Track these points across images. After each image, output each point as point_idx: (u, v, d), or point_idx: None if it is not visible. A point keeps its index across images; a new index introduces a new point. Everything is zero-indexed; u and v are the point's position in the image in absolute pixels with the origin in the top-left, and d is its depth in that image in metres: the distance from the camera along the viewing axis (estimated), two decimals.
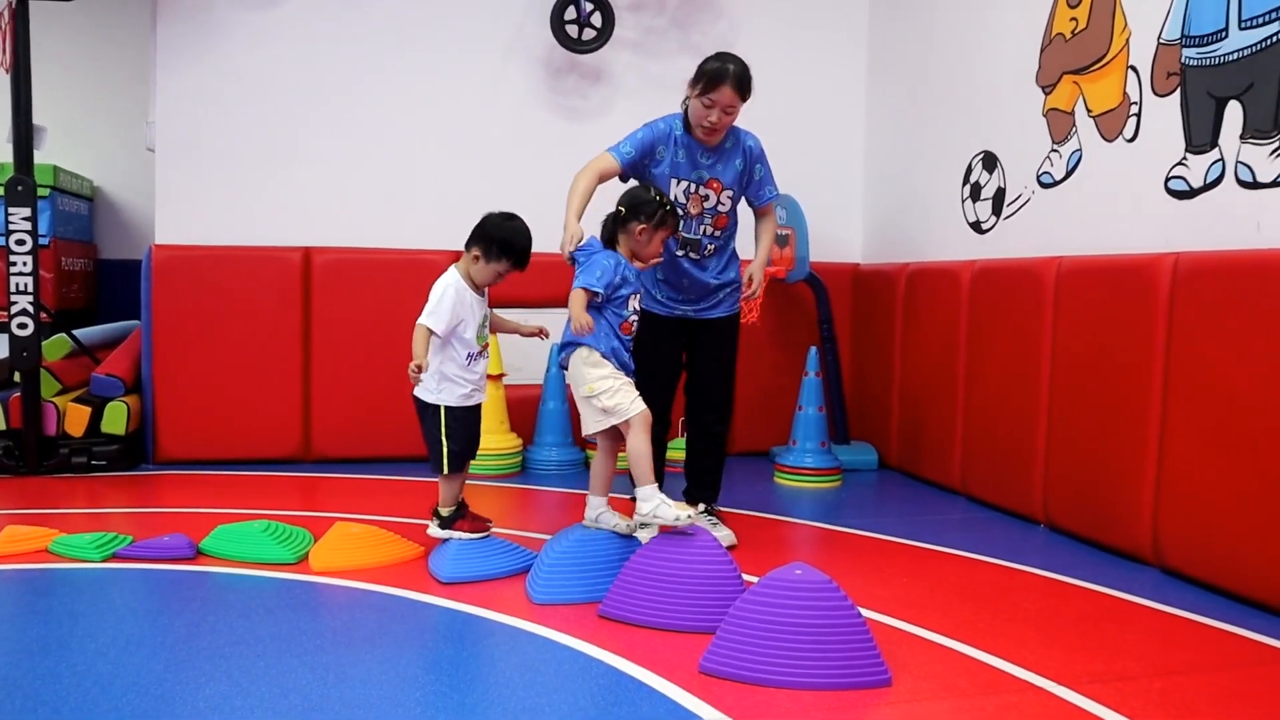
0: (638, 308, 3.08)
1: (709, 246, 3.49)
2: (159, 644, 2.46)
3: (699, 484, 3.64)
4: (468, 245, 3.14)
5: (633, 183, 3.42)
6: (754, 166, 3.53)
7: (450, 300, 3.04)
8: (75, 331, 5.29)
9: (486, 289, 3.20)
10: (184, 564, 3.12)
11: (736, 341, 3.65)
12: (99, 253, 6.93)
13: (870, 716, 2.14)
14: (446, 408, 3.10)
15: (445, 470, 3.12)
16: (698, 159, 3.44)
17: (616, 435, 2.99)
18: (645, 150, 3.40)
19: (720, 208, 3.48)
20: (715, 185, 3.45)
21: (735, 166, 3.48)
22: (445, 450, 3.10)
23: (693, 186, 3.44)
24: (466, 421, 3.14)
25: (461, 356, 3.09)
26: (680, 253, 3.47)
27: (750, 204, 3.61)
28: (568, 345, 3.01)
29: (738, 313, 3.64)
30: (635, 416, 2.89)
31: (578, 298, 2.92)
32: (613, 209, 3.10)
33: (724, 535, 3.42)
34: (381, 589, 2.92)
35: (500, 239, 3.10)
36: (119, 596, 2.84)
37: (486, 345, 3.19)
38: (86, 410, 4.57)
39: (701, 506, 3.57)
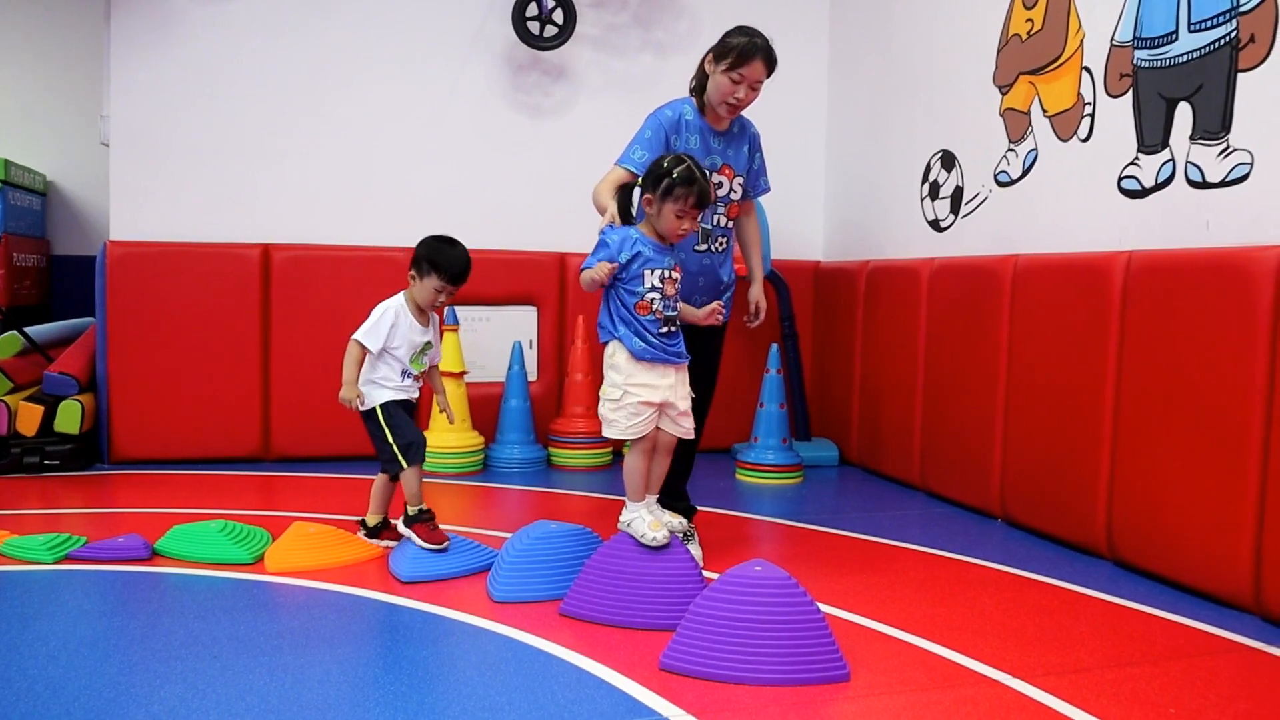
0: (659, 284, 2.80)
1: (720, 239, 3.29)
2: (113, 646, 2.42)
3: (670, 493, 3.38)
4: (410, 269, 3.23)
5: None
6: (755, 153, 3.39)
7: (388, 320, 3.14)
8: (27, 329, 5.19)
9: (434, 318, 3.28)
10: (139, 565, 3.08)
11: (722, 349, 3.49)
12: (52, 248, 6.81)
13: (827, 711, 2.16)
14: (381, 405, 3.16)
15: (404, 465, 3.14)
16: (710, 144, 3.26)
17: (653, 441, 2.87)
18: (660, 146, 3.16)
19: (733, 195, 3.30)
20: (728, 171, 3.28)
21: (744, 153, 3.34)
22: (395, 448, 3.13)
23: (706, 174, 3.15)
24: (406, 415, 3.20)
25: (396, 372, 3.18)
26: (701, 248, 3.24)
27: (741, 194, 3.40)
28: (600, 328, 2.88)
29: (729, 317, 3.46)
30: (633, 441, 2.83)
31: (584, 276, 2.79)
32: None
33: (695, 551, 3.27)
34: (340, 589, 2.89)
35: (427, 256, 3.18)
36: (72, 599, 2.79)
37: (420, 376, 3.26)
38: (39, 409, 4.49)
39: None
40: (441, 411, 3.40)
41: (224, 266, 4.76)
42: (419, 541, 3.07)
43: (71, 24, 6.67)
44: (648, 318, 2.79)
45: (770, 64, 3.19)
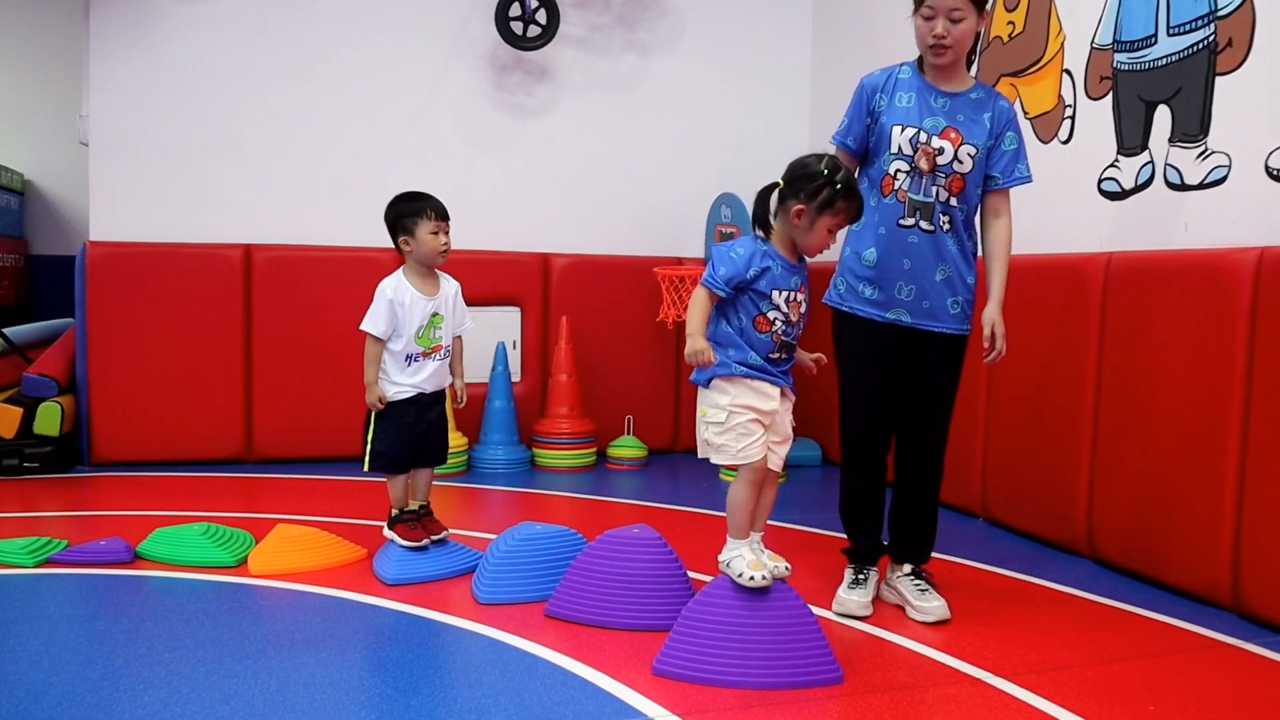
0: (784, 308, 2.45)
1: (944, 218, 2.71)
2: (95, 651, 2.41)
3: (907, 535, 2.89)
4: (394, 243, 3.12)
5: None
6: (1005, 132, 2.77)
7: (384, 299, 3.03)
8: (6, 329, 5.16)
9: (448, 286, 3.15)
10: (121, 568, 3.06)
11: (960, 372, 2.85)
12: (30, 248, 6.76)
13: (810, 710, 2.17)
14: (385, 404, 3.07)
15: (364, 467, 3.07)
16: (930, 103, 2.74)
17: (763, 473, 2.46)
18: (862, 113, 2.78)
19: (958, 166, 2.70)
20: (953, 136, 2.71)
21: (982, 121, 2.74)
22: (368, 448, 3.06)
23: (923, 136, 2.71)
24: (399, 423, 3.04)
25: (400, 362, 3.05)
26: (909, 222, 2.71)
27: (988, 183, 2.77)
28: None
29: (968, 332, 2.82)
30: (744, 466, 2.41)
31: (696, 299, 2.41)
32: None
33: (933, 607, 2.72)
34: (325, 591, 2.89)
35: (405, 212, 3.05)
36: (53, 603, 2.77)
37: (437, 348, 3.09)
38: (18, 411, 4.45)
39: (908, 567, 2.85)
40: (455, 400, 3.24)
41: (205, 267, 4.73)
42: (400, 541, 3.06)
43: (50, 22, 6.63)
44: (764, 336, 2.43)
45: None
